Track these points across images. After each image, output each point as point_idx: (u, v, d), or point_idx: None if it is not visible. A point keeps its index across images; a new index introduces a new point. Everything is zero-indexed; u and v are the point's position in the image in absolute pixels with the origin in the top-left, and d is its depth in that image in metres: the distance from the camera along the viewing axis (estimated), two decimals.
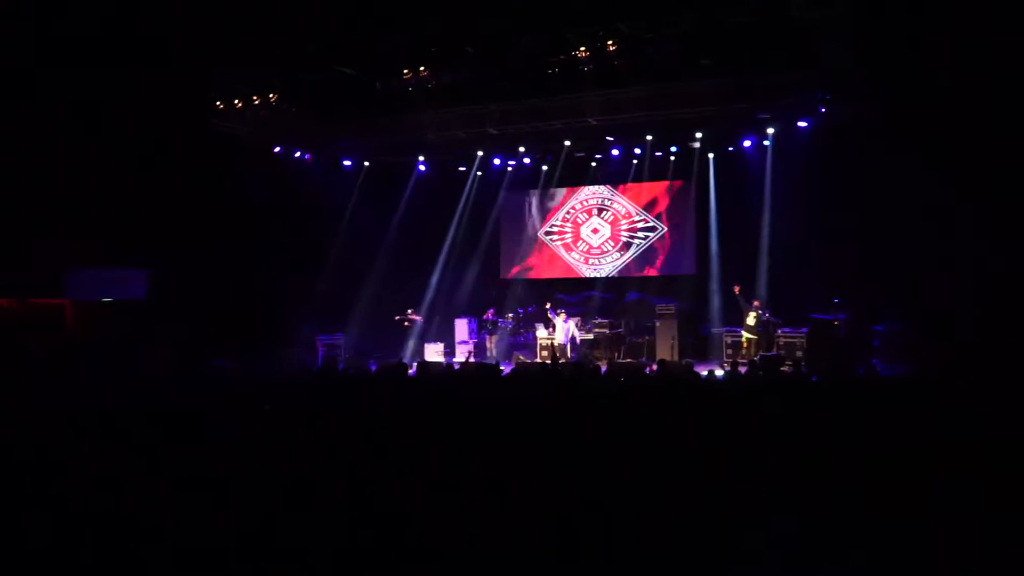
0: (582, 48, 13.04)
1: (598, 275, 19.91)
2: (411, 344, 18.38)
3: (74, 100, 13.59)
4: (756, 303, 15.93)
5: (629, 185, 19.45)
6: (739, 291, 15.99)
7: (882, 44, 12.34)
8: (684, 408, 6.92)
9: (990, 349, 10.31)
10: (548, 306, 18.36)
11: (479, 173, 20.06)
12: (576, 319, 17.79)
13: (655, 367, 12.66)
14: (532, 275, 20.71)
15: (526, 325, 19.25)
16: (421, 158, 19.50)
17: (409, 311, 18.70)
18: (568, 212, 20.33)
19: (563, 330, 17.26)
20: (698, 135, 17.32)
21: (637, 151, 18.44)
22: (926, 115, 13.02)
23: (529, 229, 20.71)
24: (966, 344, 10.92)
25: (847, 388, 7.21)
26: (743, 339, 16.01)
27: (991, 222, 12.27)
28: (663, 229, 19.12)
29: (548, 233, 20.52)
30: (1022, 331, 10.85)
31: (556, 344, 17.29)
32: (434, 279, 20.11)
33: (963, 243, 12.63)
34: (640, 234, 19.43)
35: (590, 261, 20.04)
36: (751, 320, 15.81)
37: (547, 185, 20.24)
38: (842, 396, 6.94)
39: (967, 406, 6.03)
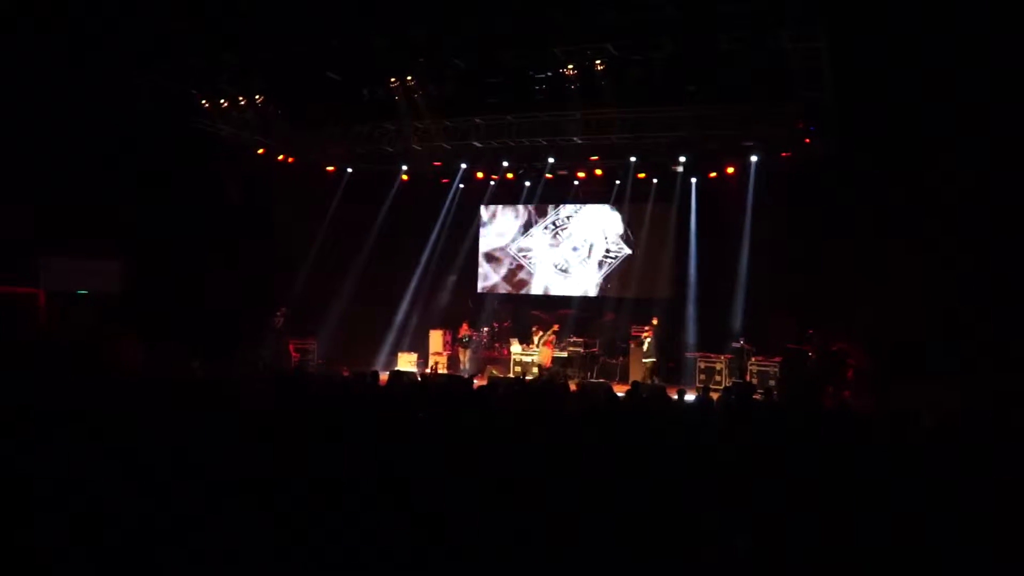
0: (569, 66, 13.07)
1: (574, 294, 19.91)
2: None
3: (59, 92, 13.45)
4: (654, 321, 16.62)
5: (610, 205, 19.49)
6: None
7: (860, 79, 12.47)
8: (652, 430, 6.91)
9: (958, 385, 10.35)
10: (534, 328, 18.36)
11: (461, 186, 20.04)
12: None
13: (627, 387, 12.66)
14: (509, 290, 20.68)
15: (501, 340, 19.18)
16: (404, 167, 19.46)
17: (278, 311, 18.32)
18: (547, 229, 20.34)
19: None
20: (681, 159, 17.37)
21: (620, 172, 18.44)
22: (901, 151, 13.18)
23: (508, 244, 20.71)
24: (934, 379, 10.96)
25: (808, 419, 7.22)
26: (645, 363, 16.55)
27: (963, 256, 12.41)
28: (642, 251, 19.16)
29: (526, 249, 20.53)
30: (989, 368, 10.94)
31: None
32: (411, 289, 20.06)
33: (935, 278, 12.75)
34: (619, 255, 19.46)
35: (567, 279, 20.05)
36: (645, 345, 16.37)
37: (528, 201, 20.24)
38: (802, 426, 6.95)
39: (920, 443, 6.06)
